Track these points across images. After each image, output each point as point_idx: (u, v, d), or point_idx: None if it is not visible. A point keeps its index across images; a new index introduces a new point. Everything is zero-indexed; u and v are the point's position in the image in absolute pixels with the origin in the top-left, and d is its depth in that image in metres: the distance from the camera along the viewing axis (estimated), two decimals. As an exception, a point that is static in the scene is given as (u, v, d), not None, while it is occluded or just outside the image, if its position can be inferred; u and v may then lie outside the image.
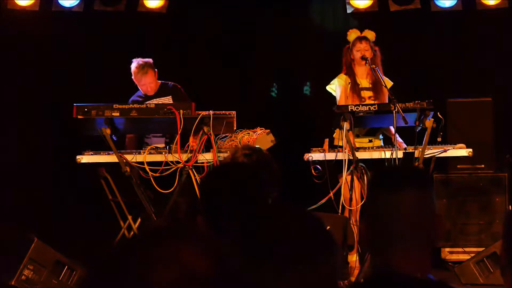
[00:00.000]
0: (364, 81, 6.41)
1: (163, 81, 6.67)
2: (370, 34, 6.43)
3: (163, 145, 5.94)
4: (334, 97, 6.49)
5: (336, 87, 6.42)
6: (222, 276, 1.02)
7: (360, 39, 6.38)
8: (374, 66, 6.22)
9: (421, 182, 2.03)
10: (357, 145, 6.12)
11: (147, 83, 6.53)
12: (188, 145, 5.78)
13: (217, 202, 2.50)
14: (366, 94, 6.37)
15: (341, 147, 5.83)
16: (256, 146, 5.57)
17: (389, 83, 6.41)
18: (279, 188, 2.70)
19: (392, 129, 6.15)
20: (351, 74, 6.39)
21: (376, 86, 6.37)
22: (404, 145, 6.16)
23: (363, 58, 6.26)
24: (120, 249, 1.07)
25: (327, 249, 1.55)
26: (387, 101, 6.23)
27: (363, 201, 5.89)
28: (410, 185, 2.01)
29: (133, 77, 6.55)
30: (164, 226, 1.09)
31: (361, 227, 2.05)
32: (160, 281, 1.00)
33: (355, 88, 6.36)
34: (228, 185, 2.54)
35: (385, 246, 1.98)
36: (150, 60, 6.56)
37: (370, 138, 6.32)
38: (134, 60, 6.55)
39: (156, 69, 6.57)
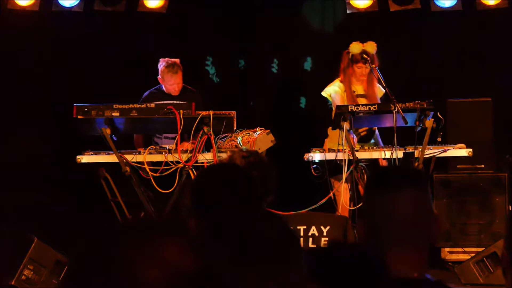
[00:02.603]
0: (359, 88, 6.39)
1: (185, 85, 6.65)
2: (371, 47, 6.29)
3: (174, 146, 5.92)
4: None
5: (333, 95, 6.39)
6: (206, 273, 1.02)
7: (364, 60, 6.25)
8: (374, 66, 6.21)
9: (417, 182, 2.04)
10: None
11: (175, 83, 6.50)
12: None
13: (206, 201, 2.51)
14: (361, 101, 6.33)
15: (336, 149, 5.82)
16: (255, 148, 5.57)
17: (380, 92, 6.41)
18: (275, 191, 2.70)
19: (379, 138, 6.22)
20: (347, 81, 6.34)
21: (368, 93, 6.37)
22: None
23: (363, 58, 6.24)
24: (103, 243, 1.06)
25: (298, 252, 1.57)
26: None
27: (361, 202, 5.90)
28: (407, 185, 2.01)
29: (159, 76, 6.53)
30: (142, 221, 1.09)
31: (358, 228, 2.06)
32: (147, 279, 0.99)
33: (350, 95, 6.34)
34: (218, 185, 2.56)
35: (382, 246, 1.98)
36: (178, 60, 6.56)
37: (362, 144, 6.30)
38: (161, 59, 6.55)
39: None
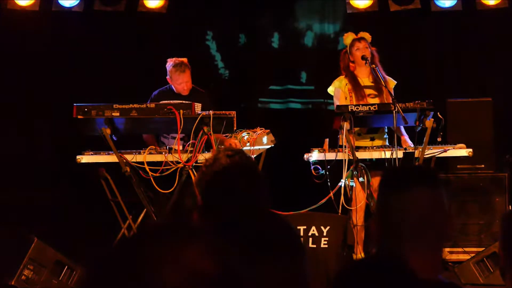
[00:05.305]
0: (366, 80, 6.38)
1: (194, 86, 6.64)
2: (366, 35, 6.42)
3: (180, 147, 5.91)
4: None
5: (334, 90, 6.41)
6: (226, 274, 1.02)
7: (358, 39, 6.37)
8: (374, 66, 6.22)
9: (432, 181, 2.03)
10: (359, 145, 6.10)
11: (183, 81, 6.50)
12: (189, 144, 5.78)
13: (214, 201, 2.52)
14: (368, 92, 6.35)
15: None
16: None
17: (392, 82, 6.40)
18: (263, 191, 2.69)
19: (402, 129, 6.16)
20: (351, 76, 6.36)
21: (378, 85, 6.33)
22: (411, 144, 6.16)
23: (363, 58, 6.24)
24: (123, 249, 1.06)
25: (300, 250, 1.57)
26: (390, 100, 6.19)
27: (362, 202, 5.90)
28: (422, 184, 2.01)
29: (168, 76, 6.53)
30: (163, 224, 1.09)
31: (371, 226, 2.05)
32: (169, 283, 0.99)
33: (356, 87, 6.33)
34: (224, 184, 2.56)
35: (396, 246, 1.97)
36: (185, 59, 6.56)
37: (372, 136, 6.29)
38: (169, 59, 6.54)
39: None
